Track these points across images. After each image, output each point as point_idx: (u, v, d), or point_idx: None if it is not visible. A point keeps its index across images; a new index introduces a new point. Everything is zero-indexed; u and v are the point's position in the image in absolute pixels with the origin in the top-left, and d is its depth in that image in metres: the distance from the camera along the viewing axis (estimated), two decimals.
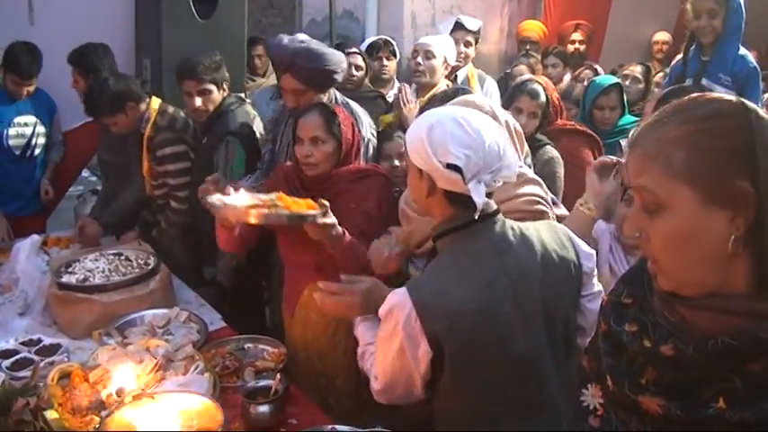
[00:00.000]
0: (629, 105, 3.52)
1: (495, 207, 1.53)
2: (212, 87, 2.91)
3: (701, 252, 0.87)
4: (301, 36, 2.68)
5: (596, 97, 3.34)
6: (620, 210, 2.03)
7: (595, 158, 3.06)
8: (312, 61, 2.59)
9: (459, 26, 4.18)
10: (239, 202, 1.98)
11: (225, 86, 2.99)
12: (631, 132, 0.94)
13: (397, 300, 1.44)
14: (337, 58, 2.66)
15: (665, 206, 0.87)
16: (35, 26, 3.69)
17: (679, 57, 3.49)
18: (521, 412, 1.51)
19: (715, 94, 0.93)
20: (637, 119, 3.39)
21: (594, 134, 3.12)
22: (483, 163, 1.43)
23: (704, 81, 3.20)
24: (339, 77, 2.69)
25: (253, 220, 1.91)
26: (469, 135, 1.43)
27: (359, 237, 2.07)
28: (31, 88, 3.56)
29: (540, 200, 1.87)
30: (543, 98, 2.83)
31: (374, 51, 3.97)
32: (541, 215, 1.81)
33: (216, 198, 2.00)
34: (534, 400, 1.51)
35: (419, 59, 3.52)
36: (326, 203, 1.97)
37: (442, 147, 1.42)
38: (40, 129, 3.71)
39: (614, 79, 3.54)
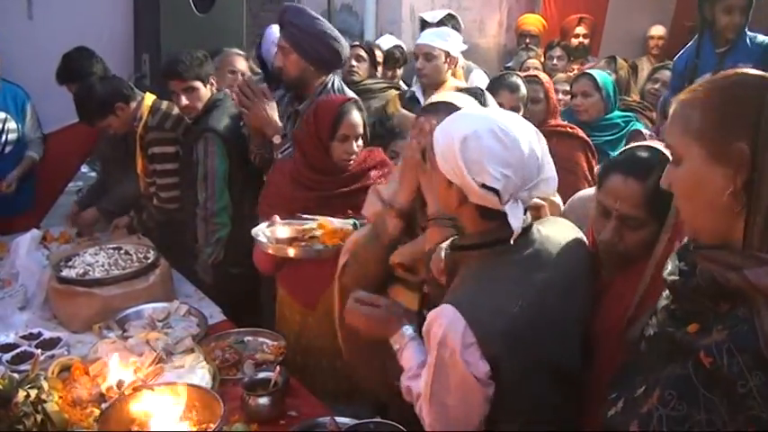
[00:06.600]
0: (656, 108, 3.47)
1: (529, 220, 1.42)
2: (197, 84, 2.86)
3: (705, 202, 0.98)
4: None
5: (572, 84, 3.36)
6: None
7: (588, 162, 2.95)
8: (299, 18, 2.59)
9: (424, 24, 4.10)
10: (281, 235, 2.13)
11: (213, 81, 2.94)
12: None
13: (448, 321, 1.28)
14: (332, 35, 2.62)
15: (682, 159, 1.01)
16: (34, 21, 3.69)
17: (681, 52, 3.45)
18: (564, 424, 1.44)
19: (749, 70, 0.99)
20: (627, 114, 3.33)
21: (586, 138, 3.01)
22: (521, 181, 1.32)
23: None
24: (332, 57, 2.64)
25: (291, 254, 2.04)
26: (508, 150, 1.30)
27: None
28: None
29: None
30: (524, 91, 2.77)
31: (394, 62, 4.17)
32: None
33: (259, 230, 2.13)
34: (572, 414, 1.44)
35: (420, 63, 3.45)
36: (358, 221, 2.03)
37: (477, 164, 1.29)
38: (11, 125, 3.51)
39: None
